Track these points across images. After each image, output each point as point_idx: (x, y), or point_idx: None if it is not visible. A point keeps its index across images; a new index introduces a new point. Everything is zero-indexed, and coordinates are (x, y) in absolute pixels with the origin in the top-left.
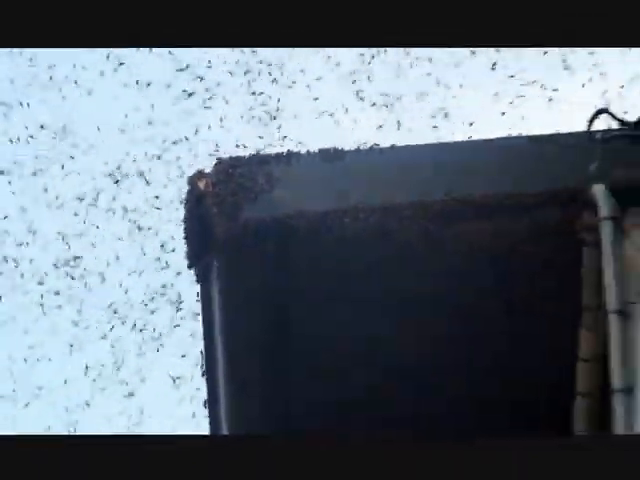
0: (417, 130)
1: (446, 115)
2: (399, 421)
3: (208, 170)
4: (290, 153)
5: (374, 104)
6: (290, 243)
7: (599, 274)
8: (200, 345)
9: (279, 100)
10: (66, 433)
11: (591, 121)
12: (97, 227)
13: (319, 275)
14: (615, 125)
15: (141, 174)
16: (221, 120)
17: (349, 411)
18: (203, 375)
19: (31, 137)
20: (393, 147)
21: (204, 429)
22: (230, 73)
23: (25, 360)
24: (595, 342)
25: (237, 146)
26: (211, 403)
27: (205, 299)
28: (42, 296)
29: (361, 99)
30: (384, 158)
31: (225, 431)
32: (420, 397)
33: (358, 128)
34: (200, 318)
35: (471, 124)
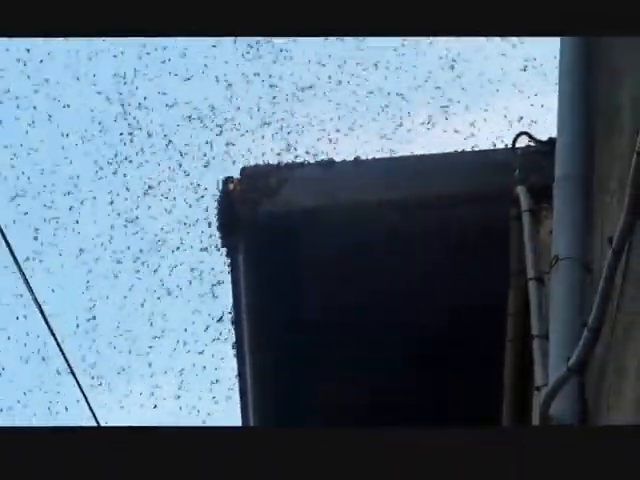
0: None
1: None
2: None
3: (235, 175)
4: (297, 162)
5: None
6: (297, 232)
7: (522, 250)
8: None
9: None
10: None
11: (514, 140)
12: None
13: (319, 260)
14: (532, 143)
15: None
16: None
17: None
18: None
19: None
20: (375, 158)
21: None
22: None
23: None
24: (519, 299)
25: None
26: (240, 380)
27: (234, 277)
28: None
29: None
30: (371, 166)
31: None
32: (439, 385)
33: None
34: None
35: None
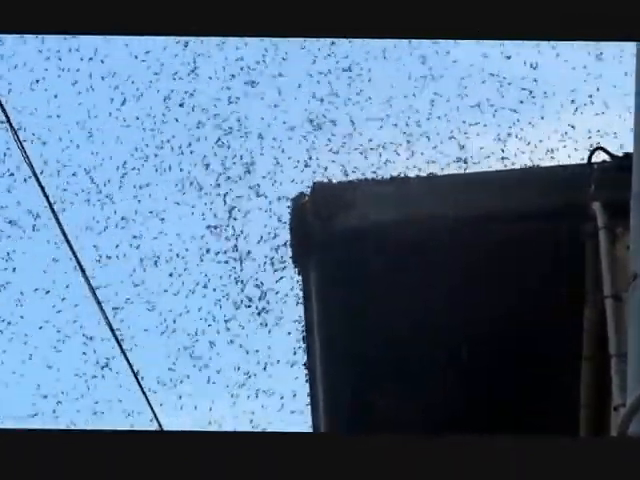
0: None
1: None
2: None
3: (307, 192)
4: (369, 178)
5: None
6: (369, 248)
7: (598, 267)
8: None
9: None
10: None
11: (590, 156)
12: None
13: (391, 274)
14: (608, 158)
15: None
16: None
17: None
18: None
19: None
20: (448, 174)
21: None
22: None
23: None
24: (595, 317)
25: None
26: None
27: (305, 292)
28: None
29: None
30: (443, 181)
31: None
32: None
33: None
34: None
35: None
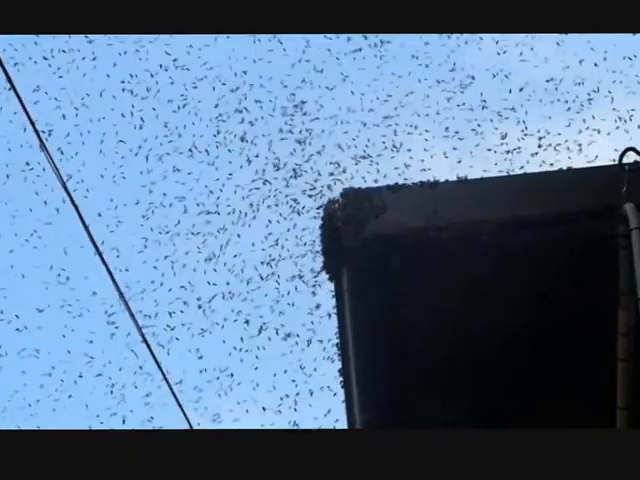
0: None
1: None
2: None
3: (338, 198)
4: (400, 183)
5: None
6: (399, 253)
7: (631, 269)
8: None
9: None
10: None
11: (621, 156)
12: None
13: (423, 279)
14: (639, 159)
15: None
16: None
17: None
18: (340, 373)
19: None
20: (472, 179)
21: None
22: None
23: None
24: (630, 318)
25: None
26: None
27: (338, 298)
28: None
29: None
30: (466, 186)
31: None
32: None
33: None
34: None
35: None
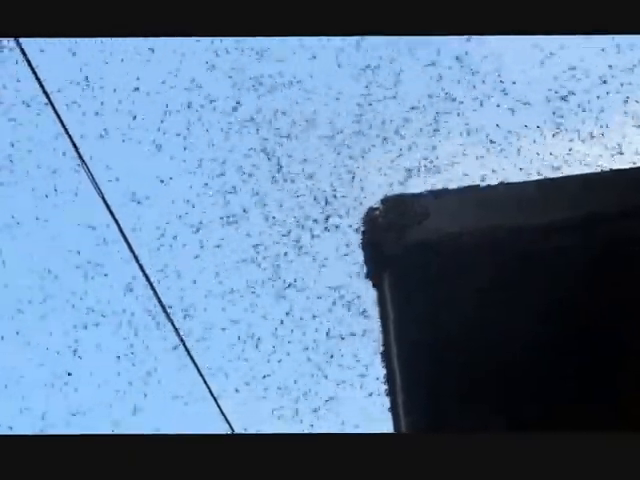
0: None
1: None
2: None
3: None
4: (441, 188)
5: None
6: (439, 258)
7: None
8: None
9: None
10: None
11: None
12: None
13: (468, 285)
14: None
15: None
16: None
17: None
18: (385, 378)
19: None
20: (522, 181)
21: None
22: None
23: None
24: None
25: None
26: (392, 402)
27: (381, 307)
28: None
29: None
30: (517, 189)
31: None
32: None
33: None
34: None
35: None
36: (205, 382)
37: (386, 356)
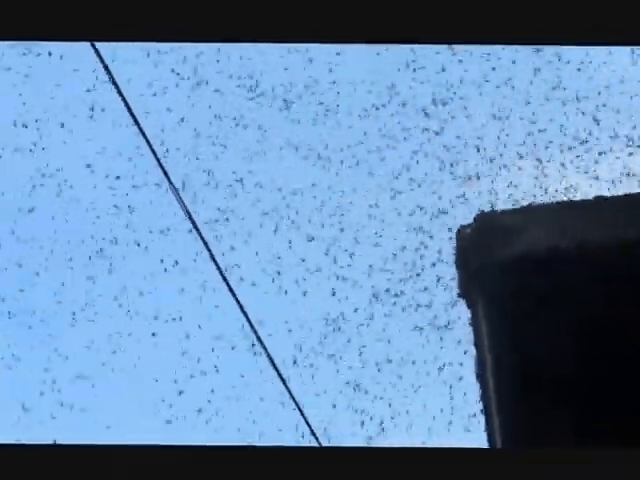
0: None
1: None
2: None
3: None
4: (534, 203)
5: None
6: (537, 277)
7: None
8: None
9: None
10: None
11: None
12: None
13: (563, 302)
14: None
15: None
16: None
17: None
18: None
19: None
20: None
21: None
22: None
23: None
24: None
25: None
26: (487, 421)
27: (474, 323)
28: None
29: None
30: (610, 203)
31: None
32: None
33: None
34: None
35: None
36: None
37: (481, 374)
